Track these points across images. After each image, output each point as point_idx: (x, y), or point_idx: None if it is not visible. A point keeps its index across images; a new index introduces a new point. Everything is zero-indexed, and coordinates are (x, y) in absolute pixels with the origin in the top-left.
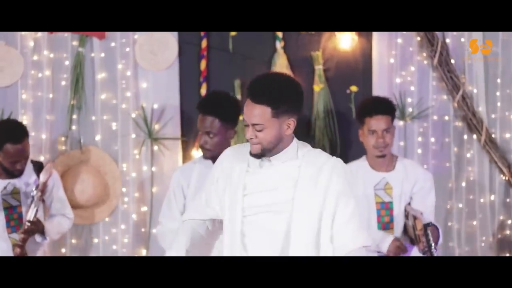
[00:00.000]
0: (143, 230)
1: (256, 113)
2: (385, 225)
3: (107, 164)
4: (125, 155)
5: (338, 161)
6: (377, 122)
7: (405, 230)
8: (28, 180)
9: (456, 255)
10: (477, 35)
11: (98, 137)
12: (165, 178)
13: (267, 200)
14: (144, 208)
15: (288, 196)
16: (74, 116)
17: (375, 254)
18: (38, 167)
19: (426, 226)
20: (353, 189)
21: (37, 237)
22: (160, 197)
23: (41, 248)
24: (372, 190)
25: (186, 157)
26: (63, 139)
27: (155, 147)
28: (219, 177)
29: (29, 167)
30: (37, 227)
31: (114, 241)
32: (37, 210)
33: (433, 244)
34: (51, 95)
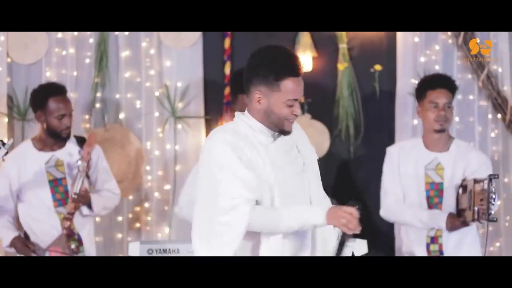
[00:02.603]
0: (166, 208)
1: (302, 86)
2: (434, 206)
3: (131, 142)
4: (148, 133)
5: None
6: (440, 95)
7: (457, 207)
8: (71, 151)
9: (480, 234)
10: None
11: (122, 115)
12: (189, 156)
13: (298, 168)
14: (168, 187)
15: (299, 162)
16: (98, 94)
17: (431, 233)
18: (81, 141)
19: (491, 176)
20: None
21: (84, 210)
22: (183, 175)
23: (88, 224)
24: (422, 169)
25: None
26: (87, 117)
27: (179, 126)
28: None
29: (72, 140)
30: (85, 198)
31: (137, 219)
32: (83, 181)
33: (493, 196)
34: (75, 73)
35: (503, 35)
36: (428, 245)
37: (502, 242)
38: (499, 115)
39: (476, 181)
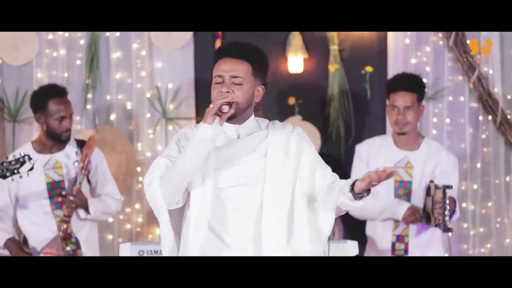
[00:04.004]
0: None
1: (236, 66)
2: None
3: (122, 143)
4: (139, 135)
5: (300, 128)
6: (399, 98)
7: (424, 208)
8: (70, 153)
9: (471, 236)
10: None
11: (113, 117)
12: None
13: (239, 174)
14: None
15: (259, 167)
16: (89, 96)
17: (390, 221)
18: (81, 144)
19: (445, 187)
20: None
21: (81, 213)
22: None
23: (86, 226)
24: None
25: None
26: (78, 118)
27: (170, 127)
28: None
29: (72, 143)
30: (80, 199)
31: (128, 220)
32: (80, 183)
33: (447, 207)
34: (66, 74)
35: (494, 36)
36: (393, 244)
37: (493, 243)
38: (490, 117)
39: (436, 187)
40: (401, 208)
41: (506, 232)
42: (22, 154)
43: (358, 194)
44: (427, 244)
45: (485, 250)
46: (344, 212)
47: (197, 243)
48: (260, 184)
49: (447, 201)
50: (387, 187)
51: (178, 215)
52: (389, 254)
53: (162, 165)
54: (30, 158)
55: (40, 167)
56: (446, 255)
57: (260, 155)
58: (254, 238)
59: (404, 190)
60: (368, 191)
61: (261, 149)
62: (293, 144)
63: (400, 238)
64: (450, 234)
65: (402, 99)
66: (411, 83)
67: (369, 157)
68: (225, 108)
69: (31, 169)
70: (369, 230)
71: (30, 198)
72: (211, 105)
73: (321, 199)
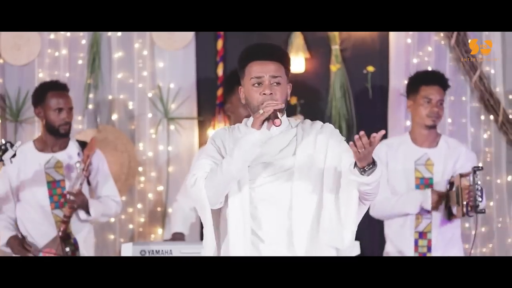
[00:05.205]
0: (159, 209)
1: (272, 67)
2: None
3: (124, 143)
4: (141, 135)
5: (330, 125)
6: (434, 91)
7: (446, 203)
8: (71, 153)
9: (472, 235)
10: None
11: (114, 116)
12: (181, 157)
13: (269, 171)
14: (160, 188)
15: (288, 165)
16: (91, 95)
17: (412, 218)
18: (83, 145)
19: (475, 168)
20: None
21: (81, 214)
22: (176, 176)
23: (85, 228)
24: (412, 164)
25: (202, 136)
26: (79, 118)
27: (172, 127)
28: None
29: (73, 143)
30: (80, 200)
31: (130, 220)
32: (81, 184)
33: (479, 188)
34: (67, 74)
35: (496, 36)
36: (416, 241)
37: (495, 243)
38: (491, 116)
39: (462, 175)
40: (427, 197)
41: (508, 232)
42: (4, 142)
43: (361, 168)
44: (449, 242)
45: (487, 250)
46: (370, 196)
47: (239, 243)
48: (289, 181)
49: (478, 181)
50: (408, 185)
51: (216, 215)
52: (411, 252)
53: (206, 166)
54: (12, 145)
55: (42, 165)
56: (463, 252)
57: (289, 153)
58: (287, 233)
59: (425, 187)
60: (372, 164)
61: (290, 148)
62: (320, 141)
63: (422, 235)
64: (483, 212)
65: (437, 93)
66: (445, 82)
67: (388, 157)
68: (278, 122)
69: (14, 155)
70: (387, 229)
71: (29, 196)
72: (261, 111)
73: (344, 182)
